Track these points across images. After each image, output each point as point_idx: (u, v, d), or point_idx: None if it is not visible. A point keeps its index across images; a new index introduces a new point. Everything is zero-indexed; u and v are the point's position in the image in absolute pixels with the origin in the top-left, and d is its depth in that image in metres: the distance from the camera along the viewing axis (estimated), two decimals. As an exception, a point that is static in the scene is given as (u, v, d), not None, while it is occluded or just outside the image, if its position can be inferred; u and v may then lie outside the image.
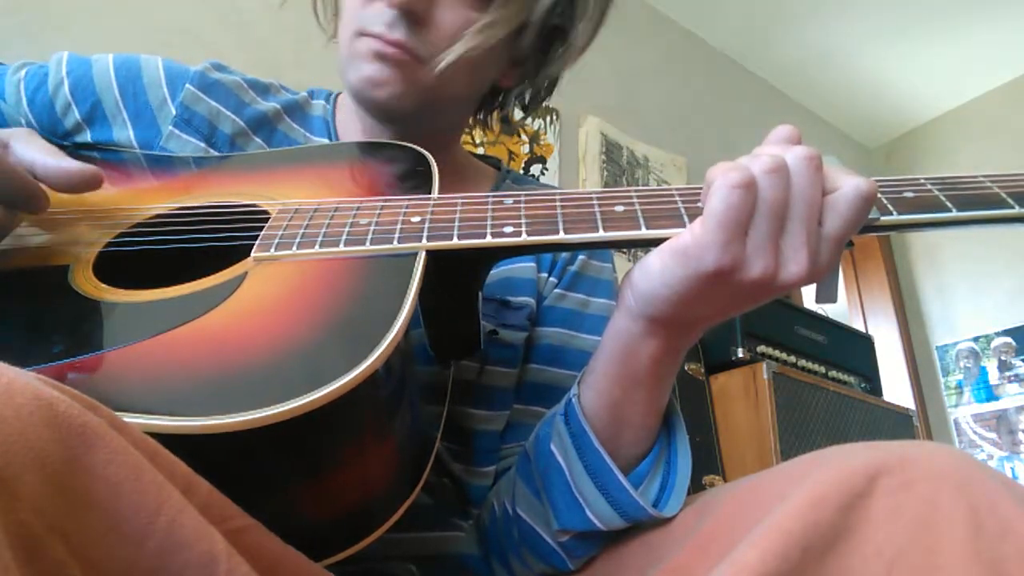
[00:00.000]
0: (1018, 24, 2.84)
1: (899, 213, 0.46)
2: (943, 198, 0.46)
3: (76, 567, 0.26)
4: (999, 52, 2.99)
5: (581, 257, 0.72)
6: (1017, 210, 0.45)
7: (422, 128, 0.68)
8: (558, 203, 0.49)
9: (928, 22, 2.86)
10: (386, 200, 0.51)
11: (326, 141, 0.72)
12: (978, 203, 0.46)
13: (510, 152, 2.19)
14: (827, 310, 2.18)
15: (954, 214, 0.45)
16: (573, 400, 0.51)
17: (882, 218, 0.45)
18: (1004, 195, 0.46)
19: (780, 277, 0.42)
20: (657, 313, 0.45)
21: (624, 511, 0.49)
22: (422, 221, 0.48)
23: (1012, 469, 2.75)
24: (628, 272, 0.47)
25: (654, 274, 0.44)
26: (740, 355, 1.76)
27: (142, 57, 0.70)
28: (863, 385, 2.06)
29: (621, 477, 0.48)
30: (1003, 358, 2.94)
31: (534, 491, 0.54)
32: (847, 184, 0.42)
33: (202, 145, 0.67)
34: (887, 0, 2.76)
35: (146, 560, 0.27)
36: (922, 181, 0.48)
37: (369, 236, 0.47)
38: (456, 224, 0.48)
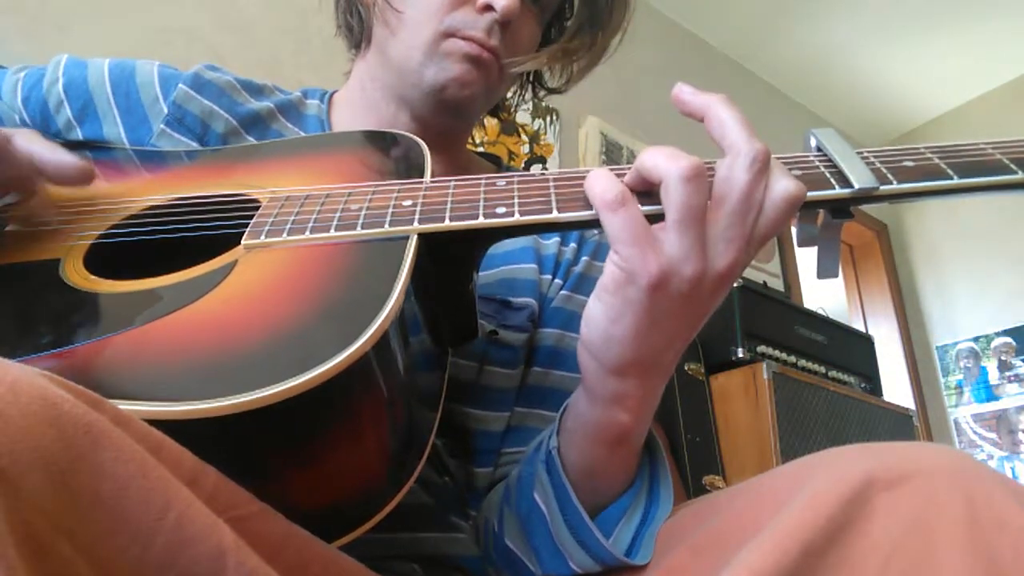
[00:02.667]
0: (1018, 24, 2.84)
1: (899, 182, 0.45)
2: (944, 166, 0.45)
3: (84, 566, 0.26)
4: (999, 52, 3.00)
5: (584, 258, 0.72)
6: (1021, 175, 0.44)
7: (458, 128, 0.74)
8: (552, 183, 0.48)
9: (928, 22, 2.86)
10: (378, 185, 0.51)
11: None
12: (980, 170, 0.45)
13: (510, 152, 2.19)
14: (827, 310, 2.18)
15: (956, 181, 0.44)
16: (554, 453, 0.51)
17: (881, 187, 0.45)
18: (1007, 161, 0.45)
19: (711, 273, 0.42)
20: (621, 360, 0.44)
21: (602, 561, 0.48)
22: (414, 205, 0.48)
23: (1012, 469, 2.76)
24: (580, 338, 0.46)
25: (598, 318, 0.44)
26: (740, 355, 1.75)
27: (138, 60, 0.70)
28: (863, 385, 2.06)
29: (599, 536, 0.48)
30: (1003, 358, 2.94)
31: (519, 529, 0.54)
32: (776, 186, 0.42)
33: (194, 144, 0.67)
34: (888, 0, 2.76)
35: (155, 557, 0.27)
36: (922, 150, 0.47)
37: (360, 221, 0.47)
38: (448, 206, 0.47)
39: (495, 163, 0.82)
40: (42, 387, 0.26)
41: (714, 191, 0.42)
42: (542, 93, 0.81)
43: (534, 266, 0.69)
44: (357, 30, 0.73)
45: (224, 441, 0.35)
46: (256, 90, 0.73)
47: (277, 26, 1.80)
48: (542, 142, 2.28)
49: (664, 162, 0.42)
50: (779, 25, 2.91)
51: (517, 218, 0.46)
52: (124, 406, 0.32)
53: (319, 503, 0.40)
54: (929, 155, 0.46)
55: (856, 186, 0.45)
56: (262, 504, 0.34)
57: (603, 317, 0.43)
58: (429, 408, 0.51)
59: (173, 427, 0.32)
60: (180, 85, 0.68)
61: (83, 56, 0.71)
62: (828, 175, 0.46)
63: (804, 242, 0.49)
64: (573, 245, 0.72)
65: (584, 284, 0.71)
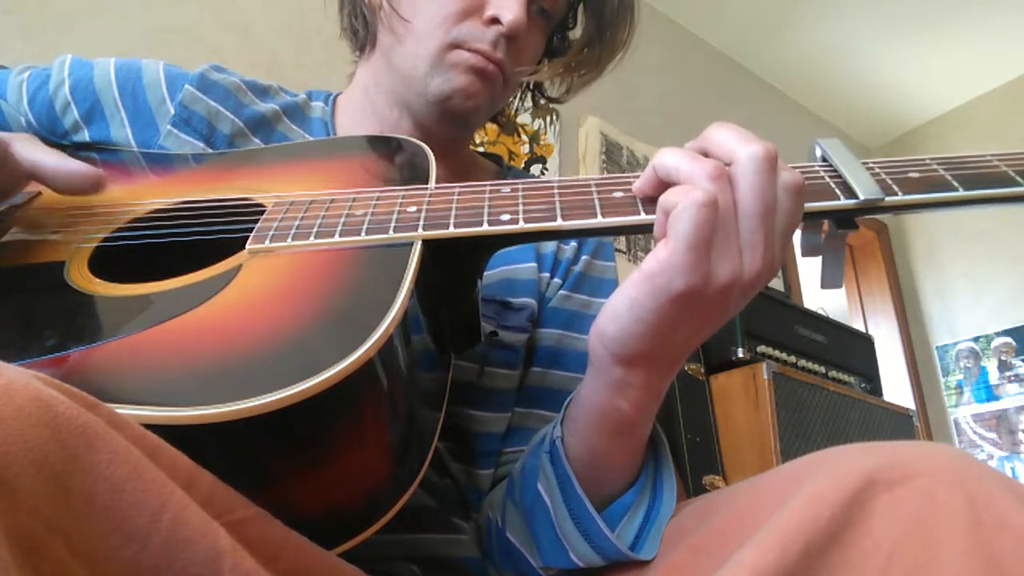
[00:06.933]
0: (1018, 24, 2.84)
1: (904, 193, 0.45)
2: (949, 177, 0.45)
3: (79, 567, 0.26)
4: (999, 52, 2.99)
5: (584, 257, 0.72)
6: None
7: (461, 135, 0.74)
8: (556, 190, 0.48)
9: (928, 22, 2.86)
10: (382, 191, 0.51)
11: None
12: (985, 182, 0.45)
13: (510, 152, 2.19)
14: (827, 310, 2.18)
15: (961, 193, 0.45)
16: (557, 443, 0.51)
17: (886, 199, 0.45)
18: (1012, 173, 0.45)
19: (744, 277, 0.41)
20: (633, 352, 0.44)
21: (605, 555, 0.48)
22: (418, 211, 0.48)
23: (1012, 469, 2.76)
24: (594, 325, 0.45)
25: (622, 312, 0.43)
26: (740, 355, 1.75)
27: (143, 60, 0.70)
28: (863, 385, 2.05)
29: (603, 525, 0.47)
30: (1003, 358, 2.94)
31: (521, 521, 0.54)
32: (778, 181, 0.42)
33: (200, 145, 0.67)
34: (887, 0, 2.76)
35: (150, 559, 0.27)
36: (927, 161, 0.47)
37: (364, 227, 0.47)
38: (453, 213, 0.47)
39: (496, 163, 0.82)
40: (36, 389, 0.26)
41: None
42: (542, 101, 0.82)
43: (533, 265, 0.69)
44: (362, 34, 0.73)
45: (225, 447, 0.35)
46: (261, 91, 0.73)
47: (277, 26, 1.80)
48: (542, 142, 2.28)
49: (688, 164, 0.42)
50: (779, 25, 2.91)
51: (521, 225, 0.46)
52: (124, 410, 0.32)
53: (322, 509, 0.39)
54: (935, 166, 0.46)
55: (861, 197, 0.45)
56: (259, 508, 0.34)
57: (628, 315, 0.42)
58: (432, 412, 0.50)
59: (173, 432, 0.32)
60: (186, 86, 0.68)
61: (84, 56, 0.70)
62: (833, 186, 0.46)
63: (808, 252, 0.49)
64: (573, 244, 0.72)
65: (584, 283, 0.71)
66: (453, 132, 0.72)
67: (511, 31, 0.64)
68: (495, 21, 0.64)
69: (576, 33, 0.75)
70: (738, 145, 0.42)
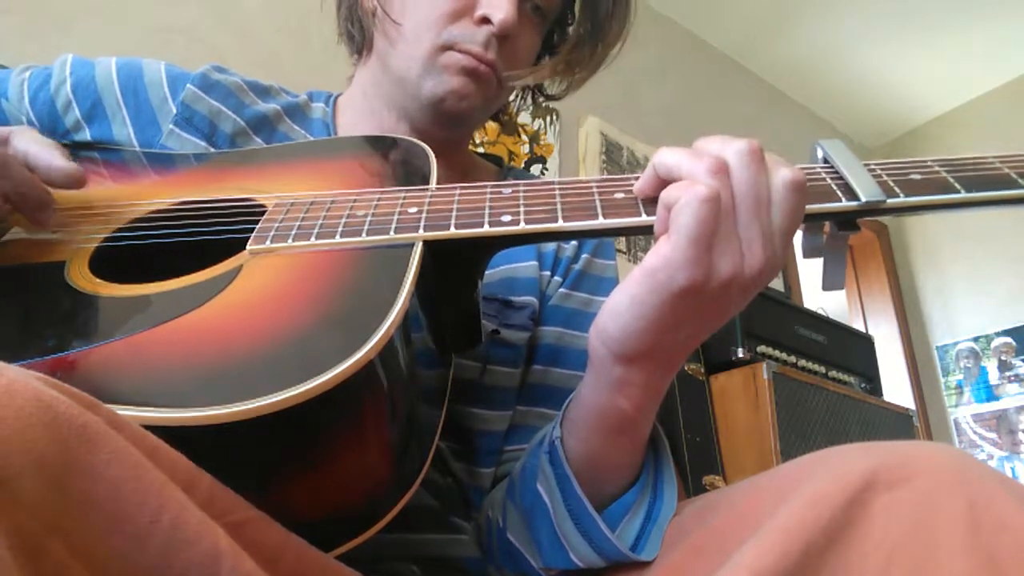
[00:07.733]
0: (1018, 24, 2.84)
1: (906, 195, 0.45)
2: (951, 179, 0.45)
3: (78, 567, 0.26)
4: (999, 52, 2.99)
5: (585, 255, 0.72)
6: None
7: (458, 136, 0.74)
8: (557, 191, 0.48)
9: (928, 22, 2.86)
10: (383, 192, 0.51)
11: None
12: (988, 184, 0.45)
13: (510, 152, 2.19)
14: (827, 310, 2.18)
15: (963, 195, 0.44)
16: (556, 443, 0.51)
17: (888, 201, 0.44)
18: (1015, 175, 0.45)
19: (745, 273, 0.41)
20: (634, 351, 0.43)
21: (606, 555, 0.48)
22: (419, 212, 0.48)
23: (1012, 469, 2.76)
24: (594, 323, 0.45)
25: (622, 309, 0.42)
26: (740, 355, 1.75)
27: (144, 60, 0.70)
28: (863, 385, 2.06)
29: (603, 526, 0.47)
30: (1003, 358, 2.94)
31: (521, 522, 0.54)
32: (776, 177, 0.42)
33: (202, 144, 0.67)
34: (888, 0, 2.76)
35: (149, 559, 0.27)
36: (929, 163, 0.47)
37: (365, 227, 0.47)
38: (454, 214, 0.47)
39: (497, 164, 0.82)
40: (37, 389, 0.26)
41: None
42: (541, 99, 0.82)
43: (534, 263, 0.70)
44: (358, 38, 0.74)
45: (226, 449, 0.35)
46: (263, 91, 0.73)
47: (277, 26, 1.80)
48: (542, 142, 2.28)
49: (688, 161, 0.42)
50: (779, 25, 2.91)
51: (522, 227, 0.46)
52: (124, 411, 0.32)
53: (323, 510, 0.40)
54: (937, 168, 0.46)
55: (863, 199, 0.44)
56: (259, 511, 0.34)
57: (629, 313, 0.42)
58: (433, 412, 0.51)
59: (173, 433, 0.32)
60: (188, 85, 0.68)
61: (85, 56, 0.70)
62: (835, 187, 0.46)
63: (810, 253, 0.48)
64: (574, 242, 0.72)
65: (584, 281, 0.71)
66: (449, 134, 0.72)
67: (502, 30, 0.64)
68: (486, 21, 0.64)
69: None
70: (723, 146, 0.42)
